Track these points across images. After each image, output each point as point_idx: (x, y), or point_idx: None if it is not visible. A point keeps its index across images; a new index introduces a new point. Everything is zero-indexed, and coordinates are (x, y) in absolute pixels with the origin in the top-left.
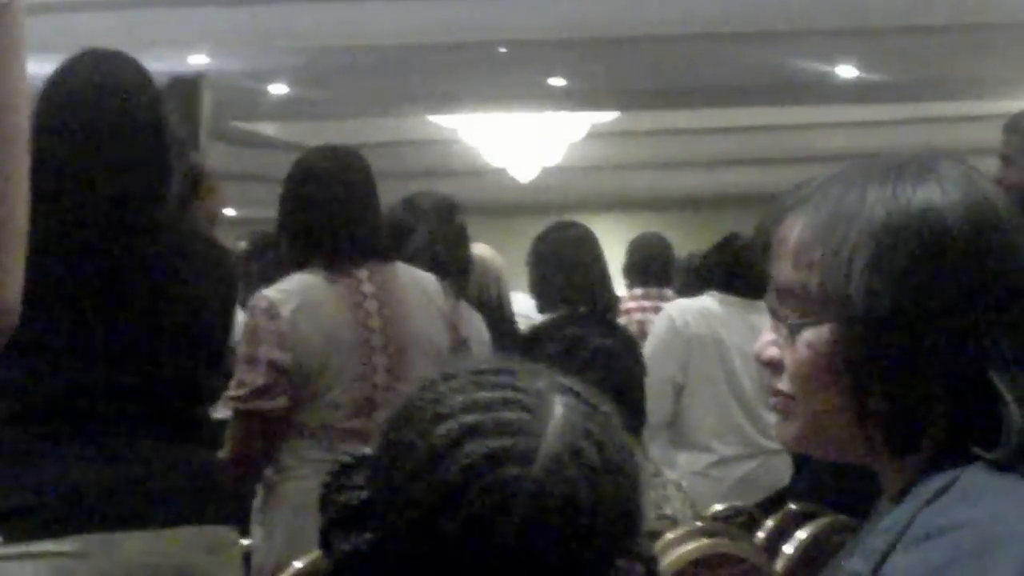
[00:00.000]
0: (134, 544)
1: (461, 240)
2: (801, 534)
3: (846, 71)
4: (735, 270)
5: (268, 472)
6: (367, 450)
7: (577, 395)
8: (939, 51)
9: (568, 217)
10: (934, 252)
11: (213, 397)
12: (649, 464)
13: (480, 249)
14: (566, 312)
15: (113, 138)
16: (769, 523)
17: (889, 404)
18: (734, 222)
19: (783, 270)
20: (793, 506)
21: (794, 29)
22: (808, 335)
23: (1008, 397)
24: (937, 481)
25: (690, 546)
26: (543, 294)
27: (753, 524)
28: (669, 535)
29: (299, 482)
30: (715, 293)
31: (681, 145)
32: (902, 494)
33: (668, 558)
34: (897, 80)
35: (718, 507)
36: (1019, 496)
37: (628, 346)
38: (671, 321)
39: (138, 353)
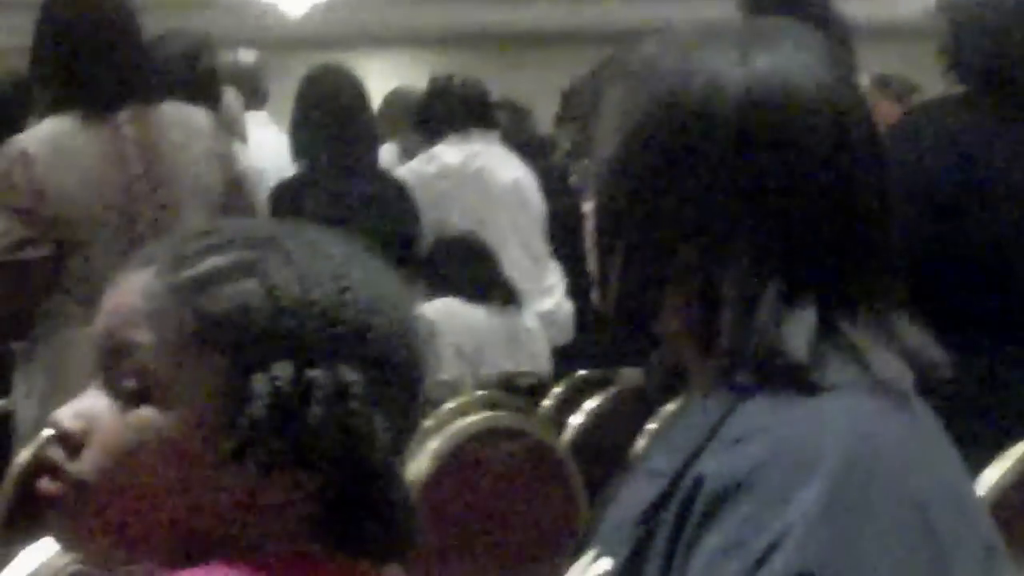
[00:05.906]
0: None
1: (212, 85)
2: (590, 404)
3: None
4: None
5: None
6: None
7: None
8: None
9: (347, 54)
10: (696, 132)
11: None
12: (424, 323)
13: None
14: (326, 163)
15: None
16: (557, 390)
17: (622, 273)
18: (535, 63)
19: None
20: (583, 372)
21: None
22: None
23: (728, 297)
24: (746, 380)
25: (467, 420)
26: (303, 140)
27: (542, 389)
28: (449, 405)
29: (60, 335)
30: None
31: None
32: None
33: (446, 432)
34: None
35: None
36: (827, 404)
37: (397, 194)
38: None
39: None
